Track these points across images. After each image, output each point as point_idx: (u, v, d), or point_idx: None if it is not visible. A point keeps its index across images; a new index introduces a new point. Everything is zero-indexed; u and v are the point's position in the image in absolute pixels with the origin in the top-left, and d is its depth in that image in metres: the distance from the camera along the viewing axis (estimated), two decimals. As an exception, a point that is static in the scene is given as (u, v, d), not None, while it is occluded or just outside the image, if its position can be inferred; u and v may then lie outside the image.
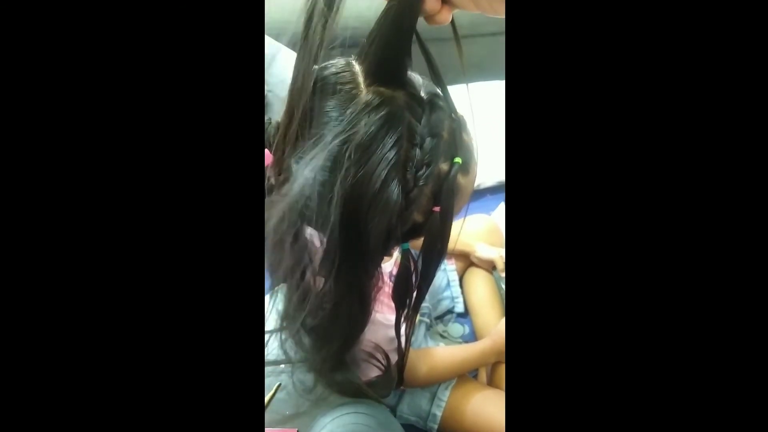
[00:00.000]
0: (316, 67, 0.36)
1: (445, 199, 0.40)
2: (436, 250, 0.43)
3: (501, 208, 1.15)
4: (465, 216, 0.48)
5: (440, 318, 1.01)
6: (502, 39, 0.28)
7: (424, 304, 0.96)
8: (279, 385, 0.68)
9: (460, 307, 1.01)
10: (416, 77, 0.40)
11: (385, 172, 0.35)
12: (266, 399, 0.67)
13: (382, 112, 0.35)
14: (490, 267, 0.98)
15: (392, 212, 0.37)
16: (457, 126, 0.40)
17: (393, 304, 0.48)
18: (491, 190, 1.21)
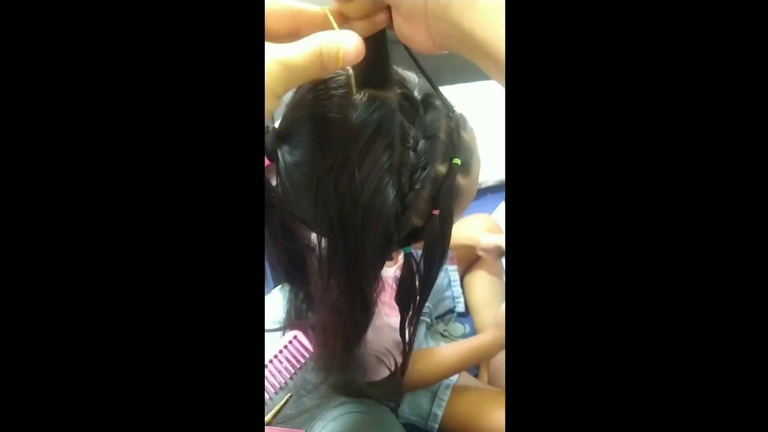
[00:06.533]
0: None
1: (443, 201, 0.39)
2: (438, 253, 0.42)
3: (501, 208, 1.15)
4: (465, 215, 0.47)
5: (441, 317, 1.01)
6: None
7: (425, 304, 0.96)
8: (290, 396, 0.69)
9: (461, 307, 1.01)
10: (411, 76, 0.39)
11: (378, 177, 0.34)
12: (275, 409, 0.67)
13: (374, 116, 0.34)
14: (497, 254, 0.94)
15: (387, 218, 0.36)
16: (455, 125, 0.39)
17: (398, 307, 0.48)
18: (491, 190, 1.21)
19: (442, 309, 1.01)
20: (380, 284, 0.45)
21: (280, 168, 0.39)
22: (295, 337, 0.73)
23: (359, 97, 0.34)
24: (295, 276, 0.53)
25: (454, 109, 0.40)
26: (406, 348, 0.53)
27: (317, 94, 0.36)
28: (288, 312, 0.64)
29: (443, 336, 0.98)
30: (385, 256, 0.41)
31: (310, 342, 0.71)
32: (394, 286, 0.47)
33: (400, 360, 0.61)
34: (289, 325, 0.65)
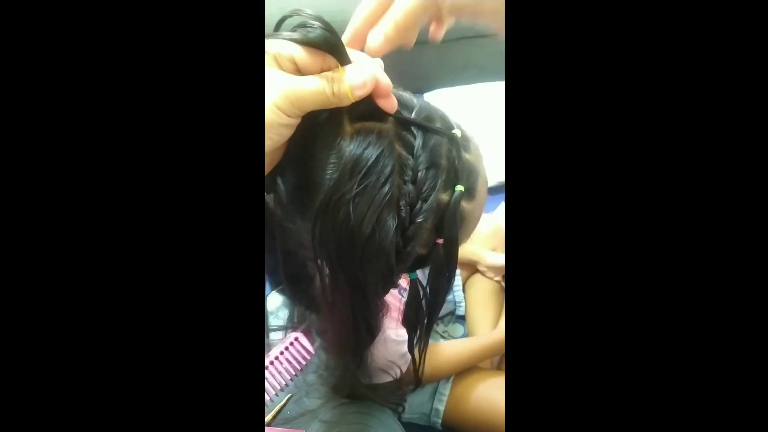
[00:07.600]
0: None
1: (447, 231, 0.37)
2: (444, 279, 0.41)
3: (501, 208, 1.15)
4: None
5: (441, 319, 1.01)
6: (502, 40, 0.29)
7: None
8: (290, 397, 0.69)
9: (462, 311, 1.01)
10: (409, 98, 0.36)
11: (376, 214, 0.33)
12: (275, 409, 0.67)
13: (369, 151, 0.32)
14: (500, 273, 0.96)
15: (388, 254, 0.35)
16: (456, 148, 0.37)
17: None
18: (491, 190, 1.20)
19: (443, 312, 1.01)
20: (385, 308, 0.44)
21: (276, 199, 0.37)
22: (296, 339, 0.73)
23: (352, 131, 0.33)
24: (298, 284, 0.53)
25: (455, 131, 0.37)
26: (419, 366, 0.52)
27: (308, 130, 0.33)
28: (290, 314, 0.64)
29: (443, 337, 0.98)
30: (388, 287, 0.40)
31: (312, 344, 0.72)
32: (401, 298, 0.46)
33: (404, 370, 0.61)
34: (290, 327, 0.65)
